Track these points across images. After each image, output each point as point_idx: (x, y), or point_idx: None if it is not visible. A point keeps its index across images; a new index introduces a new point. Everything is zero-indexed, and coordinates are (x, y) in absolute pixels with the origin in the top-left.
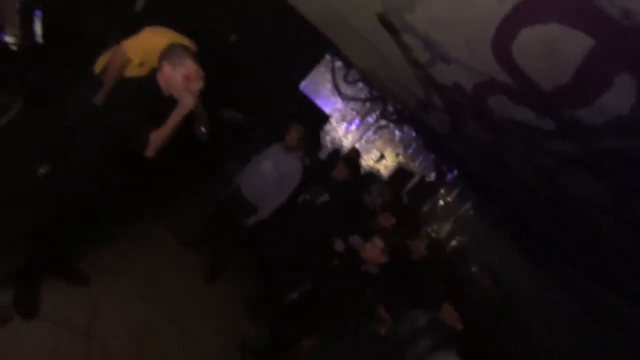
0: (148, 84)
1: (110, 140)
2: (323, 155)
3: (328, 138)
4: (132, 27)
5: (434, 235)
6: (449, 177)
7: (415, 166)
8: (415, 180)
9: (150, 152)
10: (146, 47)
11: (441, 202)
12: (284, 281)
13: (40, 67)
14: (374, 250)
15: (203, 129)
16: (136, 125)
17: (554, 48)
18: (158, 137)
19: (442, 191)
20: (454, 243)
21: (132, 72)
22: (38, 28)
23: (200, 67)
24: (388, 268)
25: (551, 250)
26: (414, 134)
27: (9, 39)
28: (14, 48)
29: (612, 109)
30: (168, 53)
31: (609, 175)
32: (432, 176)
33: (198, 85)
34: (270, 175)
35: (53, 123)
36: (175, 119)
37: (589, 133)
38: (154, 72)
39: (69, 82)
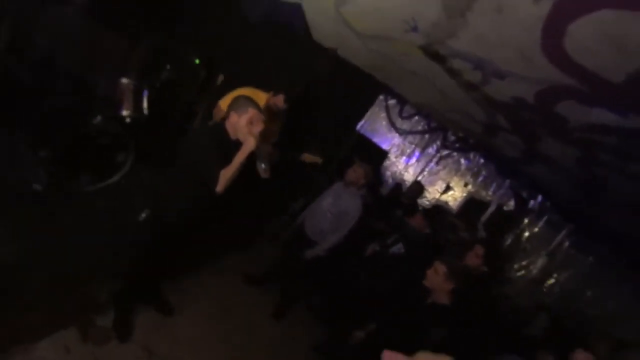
0: (218, 130)
1: (196, 186)
2: (385, 190)
3: (388, 173)
4: (215, 97)
5: (523, 272)
6: (532, 204)
7: (488, 195)
8: (491, 209)
9: (219, 188)
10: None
11: (527, 233)
12: (351, 320)
13: (147, 133)
14: (436, 276)
15: (263, 165)
16: (209, 165)
17: (612, 34)
18: (226, 174)
19: (526, 221)
20: (550, 281)
21: None
22: (145, 103)
23: (261, 112)
24: (462, 300)
25: None
26: (482, 160)
27: (125, 113)
28: (128, 120)
29: None
30: (234, 104)
31: None
32: (511, 204)
33: (259, 127)
34: (328, 211)
35: (155, 176)
36: (240, 157)
37: None
38: (222, 121)
39: (167, 144)
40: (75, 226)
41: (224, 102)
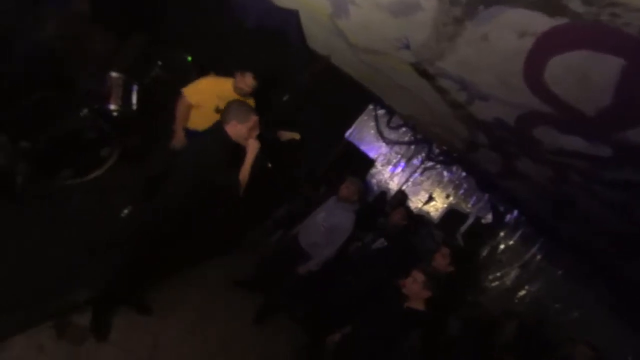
0: (223, 137)
1: (194, 189)
2: (370, 198)
3: (374, 181)
4: None
5: (497, 283)
6: (508, 218)
7: (468, 207)
8: (470, 221)
9: (242, 192)
10: (200, 89)
11: (502, 246)
12: (331, 325)
13: (134, 129)
14: (414, 284)
15: (269, 164)
16: (228, 172)
17: (586, 72)
18: (244, 177)
19: (502, 234)
20: (522, 292)
21: (195, 122)
22: (134, 98)
23: (258, 116)
24: (436, 306)
25: None
26: (463, 174)
27: (112, 107)
28: (115, 114)
29: None
30: (234, 111)
31: None
32: (489, 217)
33: (257, 131)
34: (321, 224)
35: (139, 173)
36: (249, 160)
37: None
38: (221, 127)
39: (155, 141)
40: (54, 221)
41: (189, 91)
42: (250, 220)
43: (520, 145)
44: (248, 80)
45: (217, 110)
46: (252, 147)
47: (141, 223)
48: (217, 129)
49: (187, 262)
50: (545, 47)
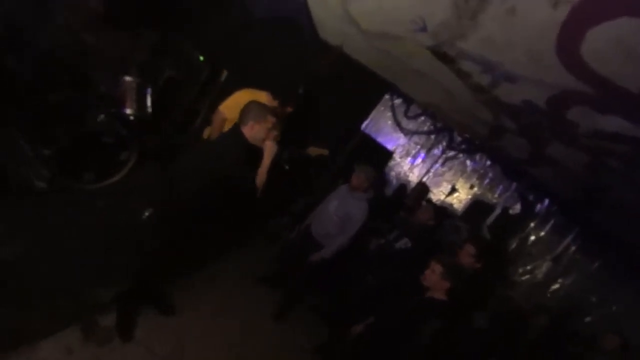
0: (241, 140)
1: (210, 190)
2: (389, 191)
3: (393, 173)
4: (218, 94)
5: (527, 276)
6: (539, 207)
7: (494, 197)
8: (497, 212)
9: (261, 193)
10: (235, 104)
11: (532, 237)
12: (352, 318)
13: (150, 131)
14: (433, 275)
15: (286, 167)
16: (246, 175)
17: (629, 44)
18: (261, 180)
19: (532, 224)
20: (555, 286)
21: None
22: (148, 101)
23: (275, 117)
24: (458, 297)
25: None
26: (488, 162)
27: (129, 111)
28: (131, 117)
29: None
30: (251, 112)
31: None
32: (517, 208)
33: (275, 132)
34: (334, 214)
35: (159, 175)
36: (267, 162)
37: None
38: (238, 128)
39: (172, 142)
40: (77, 225)
41: (226, 107)
42: (265, 216)
43: (552, 129)
44: (286, 110)
45: None
46: (271, 150)
47: (161, 224)
48: (233, 132)
49: (206, 260)
50: (582, 16)
